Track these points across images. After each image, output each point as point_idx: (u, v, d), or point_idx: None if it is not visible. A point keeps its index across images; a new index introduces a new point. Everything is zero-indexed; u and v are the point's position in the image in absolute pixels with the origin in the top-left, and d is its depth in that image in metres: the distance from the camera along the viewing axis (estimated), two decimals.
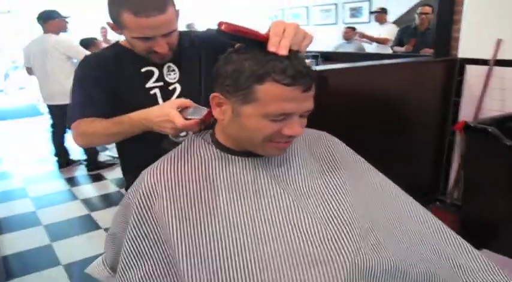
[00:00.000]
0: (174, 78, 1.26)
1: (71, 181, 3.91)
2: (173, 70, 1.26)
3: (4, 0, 7.93)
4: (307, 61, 0.82)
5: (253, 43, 0.81)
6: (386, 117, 2.38)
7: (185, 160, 0.91)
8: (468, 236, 1.00)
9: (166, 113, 1.01)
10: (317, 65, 4.29)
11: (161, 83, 1.25)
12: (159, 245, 0.84)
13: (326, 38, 5.25)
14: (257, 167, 0.89)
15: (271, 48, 0.78)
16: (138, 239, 0.86)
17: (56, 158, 4.12)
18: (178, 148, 0.96)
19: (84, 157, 4.11)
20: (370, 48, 5.09)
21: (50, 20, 3.57)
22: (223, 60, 0.84)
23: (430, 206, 2.66)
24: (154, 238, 0.85)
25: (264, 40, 0.79)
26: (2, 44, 8.67)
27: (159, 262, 0.84)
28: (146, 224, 0.85)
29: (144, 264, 0.85)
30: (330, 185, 0.92)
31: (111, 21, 1.16)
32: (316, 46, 5.07)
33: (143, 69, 1.23)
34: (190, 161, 0.91)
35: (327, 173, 0.95)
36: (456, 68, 2.54)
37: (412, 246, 0.89)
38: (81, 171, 4.13)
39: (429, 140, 2.72)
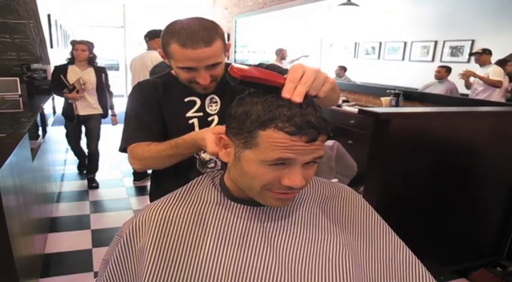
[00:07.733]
0: (215, 110, 1.29)
1: (135, 190, 4.04)
2: (215, 102, 1.29)
3: (119, 17, 8.94)
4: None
5: (268, 89, 0.76)
6: (453, 169, 2.16)
7: (186, 199, 0.89)
8: None
9: (205, 137, 1.01)
10: (397, 104, 4.02)
11: (201, 113, 1.28)
12: None
13: (423, 76, 4.90)
14: (253, 217, 0.85)
15: (285, 94, 0.74)
16: (117, 274, 0.86)
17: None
18: (187, 185, 0.94)
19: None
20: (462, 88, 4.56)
21: (156, 38, 3.77)
22: (237, 102, 0.81)
23: (488, 269, 2.49)
24: (132, 276, 0.85)
25: (280, 86, 0.75)
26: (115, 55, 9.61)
27: None
28: (127, 260, 0.85)
29: None
30: (329, 251, 0.84)
31: (161, 50, 1.21)
32: (410, 83, 4.77)
33: (186, 99, 1.27)
34: (190, 201, 0.89)
35: (332, 235, 0.87)
36: None
37: None
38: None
39: (500, 199, 2.43)
